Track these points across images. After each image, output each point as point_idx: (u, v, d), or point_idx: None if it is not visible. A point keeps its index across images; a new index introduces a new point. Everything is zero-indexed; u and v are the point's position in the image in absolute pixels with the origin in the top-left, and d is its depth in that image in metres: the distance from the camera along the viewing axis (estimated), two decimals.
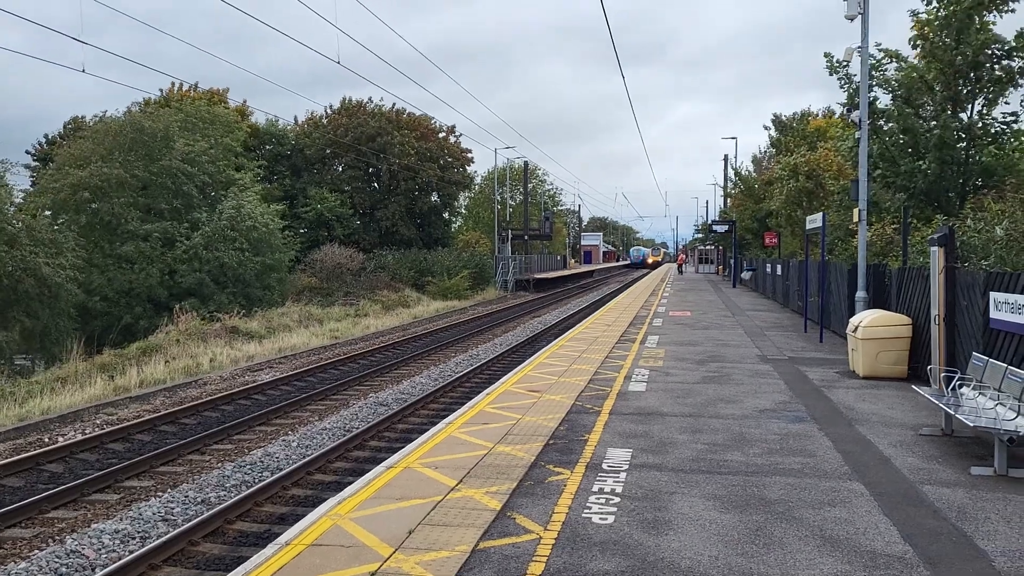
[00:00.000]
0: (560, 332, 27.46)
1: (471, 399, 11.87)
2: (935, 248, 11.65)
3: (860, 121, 15.99)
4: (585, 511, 6.55)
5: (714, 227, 54.47)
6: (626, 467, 7.85)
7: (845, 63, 17.60)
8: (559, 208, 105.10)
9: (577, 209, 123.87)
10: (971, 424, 7.76)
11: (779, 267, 33.35)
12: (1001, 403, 8.34)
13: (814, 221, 19.59)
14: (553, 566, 5.44)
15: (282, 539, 5.93)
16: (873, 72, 18.50)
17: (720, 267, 68.40)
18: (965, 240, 12.97)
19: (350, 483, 8.75)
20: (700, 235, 78.76)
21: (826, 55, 18.92)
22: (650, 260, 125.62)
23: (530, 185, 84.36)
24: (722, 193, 55.14)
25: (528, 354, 21.56)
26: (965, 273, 11.48)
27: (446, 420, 10.01)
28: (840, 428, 9.70)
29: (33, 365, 29.64)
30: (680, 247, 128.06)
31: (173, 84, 57.32)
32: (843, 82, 18.62)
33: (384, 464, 7.92)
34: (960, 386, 9.50)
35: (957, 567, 5.46)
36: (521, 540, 5.91)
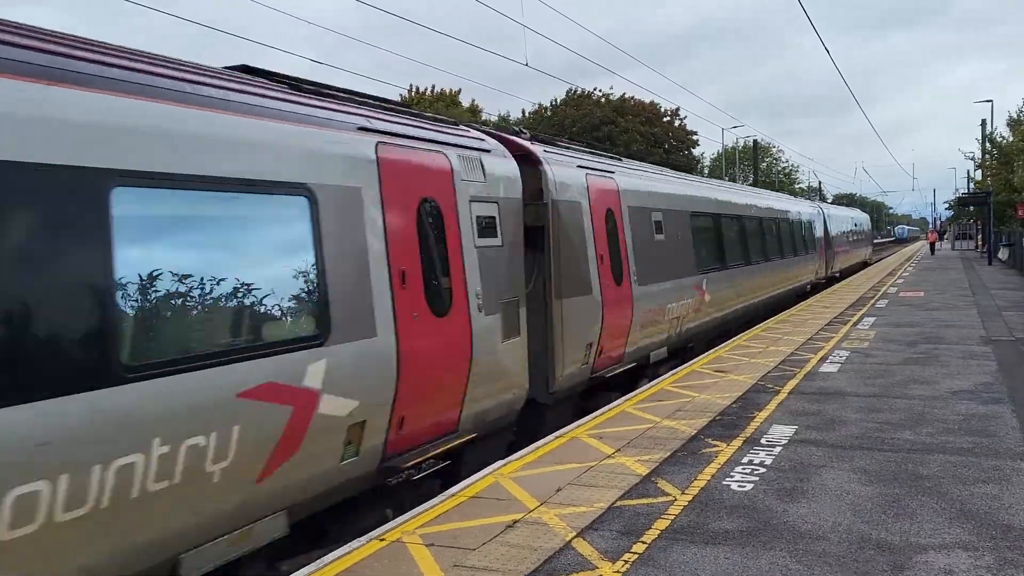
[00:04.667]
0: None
1: (652, 379, 12.35)
2: None
3: None
4: (727, 479, 6.94)
5: (965, 200, 49.94)
6: (784, 442, 8.07)
7: None
8: (796, 187, 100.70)
9: (819, 186, 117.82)
10: None
11: None
12: None
13: None
14: (678, 523, 5.95)
15: (450, 491, 6.89)
16: None
17: (979, 243, 62.47)
18: None
19: None
20: (950, 210, 72.28)
21: None
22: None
23: (763, 164, 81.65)
24: (976, 164, 50.34)
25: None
26: None
27: (624, 397, 10.62)
28: None
29: None
30: (940, 223, 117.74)
31: (411, 87, 61.58)
32: None
33: (554, 434, 8.69)
34: None
35: None
36: (656, 501, 6.46)
